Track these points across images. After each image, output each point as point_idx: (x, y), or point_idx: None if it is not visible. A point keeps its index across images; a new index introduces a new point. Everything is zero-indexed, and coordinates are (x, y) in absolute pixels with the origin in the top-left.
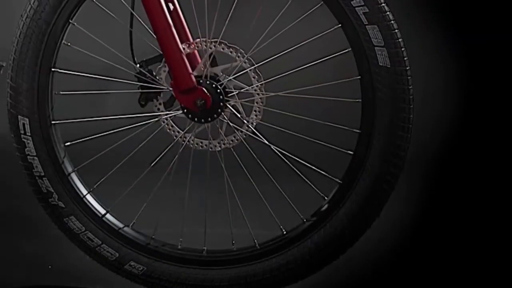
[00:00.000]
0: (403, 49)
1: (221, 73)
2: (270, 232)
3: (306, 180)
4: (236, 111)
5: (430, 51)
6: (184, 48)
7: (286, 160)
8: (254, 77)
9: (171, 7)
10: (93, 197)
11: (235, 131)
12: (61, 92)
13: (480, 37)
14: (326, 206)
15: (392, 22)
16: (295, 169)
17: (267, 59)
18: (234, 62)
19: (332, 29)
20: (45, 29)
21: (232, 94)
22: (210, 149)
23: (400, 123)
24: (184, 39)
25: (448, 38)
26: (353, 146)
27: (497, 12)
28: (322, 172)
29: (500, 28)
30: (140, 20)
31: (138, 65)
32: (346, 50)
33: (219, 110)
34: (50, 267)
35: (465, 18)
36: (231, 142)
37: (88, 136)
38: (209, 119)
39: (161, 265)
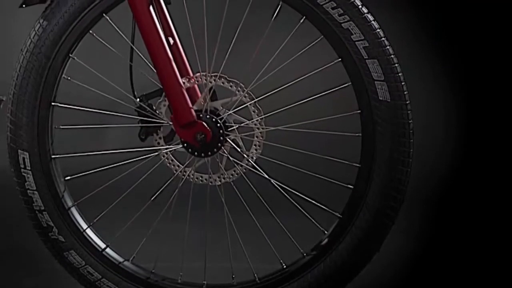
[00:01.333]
0: (403, 83)
1: (221, 107)
2: (270, 266)
3: (306, 214)
4: (236, 145)
5: (430, 85)
6: (184, 82)
7: (286, 194)
8: (254, 111)
9: (171, 41)
10: (93, 231)
11: (235, 165)
12: (61, 126)
13: (480, 70)
14: (326, 240)
15: (392, 56)
16: (295, 203)
17: (267, 93)
18: (234, 96)
19: (332, 63)
20: (45, 63)
21: (232, 128)
22: (210, 183)
23: (400, 157)
24: (184, 73)
25: (448, 72)
26: (353, 180)
27: (497, 45)
28: (322, 206)
29: (501, 60)
30: (140, 54)
31: (138, 99)
32: (346, 84)
33: (219, 144)
34: None
35: (466, 52)
36: (231, 176)
37: (88, 171)
38: (209, 153)
39: None
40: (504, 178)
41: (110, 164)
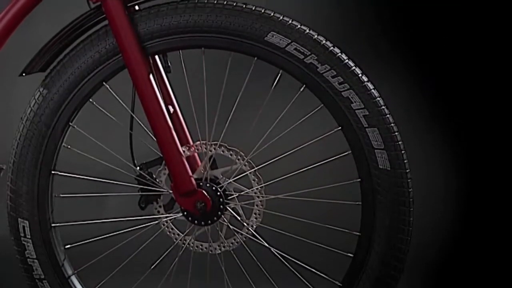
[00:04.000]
0: (403, 151)
1: (221, 176)
2: None
3: (306, 283)
4: (236, 214)
5: (430, 154)
6: (184, 151)
7: (286, 263)
8: (254, 180)
9: (171, 109)
10: None
11: (235, 233)
12: (61, 195)
13: (481, 139)
14: None
15: (392, 124)
16: (295, 271)
17: (267, 161)
18: (234, 165)
19: (332, 131)
20: (45, 131)
21: (232, 196)
22: (210, 252)
23: (400, 225)
24: (184, 142)
25: (448, 140)
26: (353, 248)
27: (498, 113)
28: (322, 275)
29: (501, 129)
30: (140, 122)
31: (138, 168)
32: (346, 153)
33: (219, 212)
34: None
35: (466, 120)
36: (231, 244)
37: (88, 239)
38: (209, 221)
39: None
40: (504, 248)
41: (110, 233)
